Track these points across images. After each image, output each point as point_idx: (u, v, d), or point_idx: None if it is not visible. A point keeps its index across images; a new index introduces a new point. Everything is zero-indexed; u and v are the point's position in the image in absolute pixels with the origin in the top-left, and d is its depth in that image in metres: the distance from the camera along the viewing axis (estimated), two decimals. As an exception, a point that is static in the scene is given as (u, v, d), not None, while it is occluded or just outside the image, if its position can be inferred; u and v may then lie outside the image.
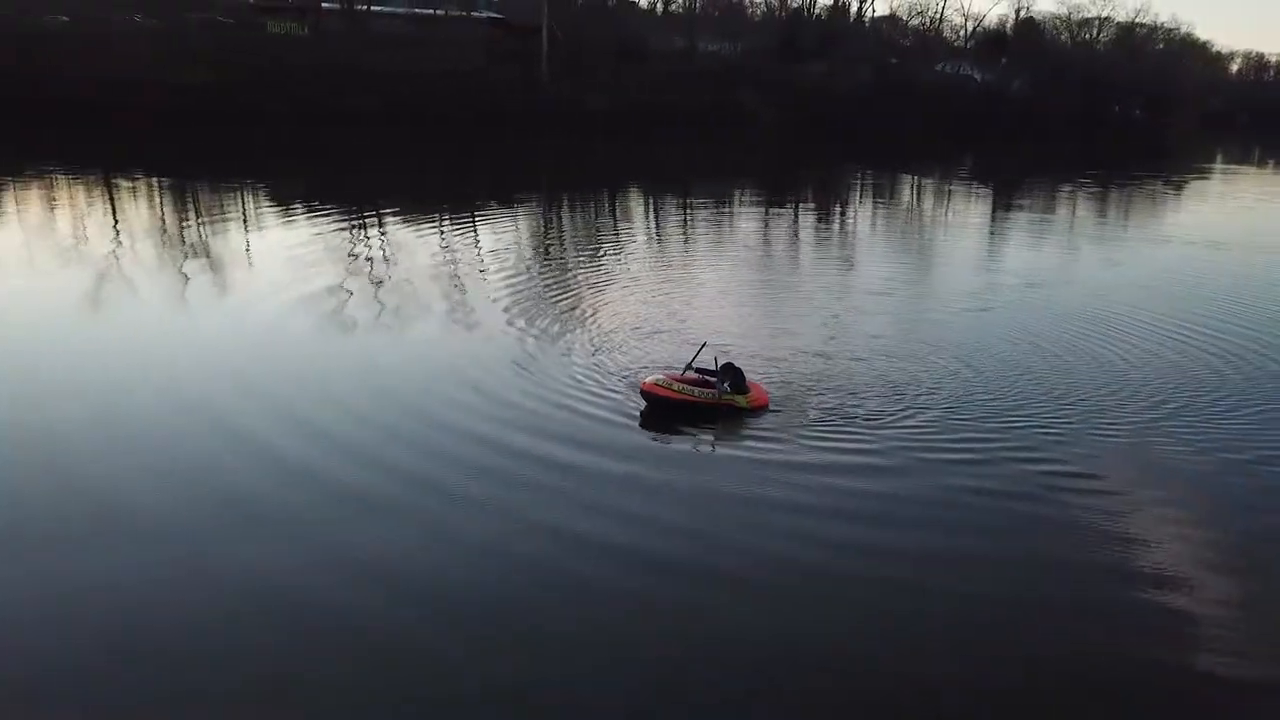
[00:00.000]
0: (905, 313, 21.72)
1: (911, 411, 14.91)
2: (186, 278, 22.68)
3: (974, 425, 14.48)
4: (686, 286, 24.00)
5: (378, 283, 22.99)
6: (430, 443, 13.19)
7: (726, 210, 41.43)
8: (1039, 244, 34.89)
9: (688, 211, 41.01)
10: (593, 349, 17.75)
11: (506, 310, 20.43)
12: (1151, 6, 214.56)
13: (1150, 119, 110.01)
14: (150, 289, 21.55)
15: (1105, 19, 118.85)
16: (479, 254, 27.15)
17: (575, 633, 9.17)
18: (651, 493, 12.05)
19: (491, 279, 23.76)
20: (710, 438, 13.96)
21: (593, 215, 39.53)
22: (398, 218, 33.86)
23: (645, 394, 14.43)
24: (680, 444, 13.78)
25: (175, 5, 71.89)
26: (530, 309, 20.51)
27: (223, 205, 35.65)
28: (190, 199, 37.16)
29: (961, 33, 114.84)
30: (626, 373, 16.20)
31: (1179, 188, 60.76)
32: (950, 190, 54.17)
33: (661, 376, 14.70)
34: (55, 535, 10.41)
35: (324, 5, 78.74)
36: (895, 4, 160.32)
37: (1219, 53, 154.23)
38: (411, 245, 28.29)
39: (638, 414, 14.52)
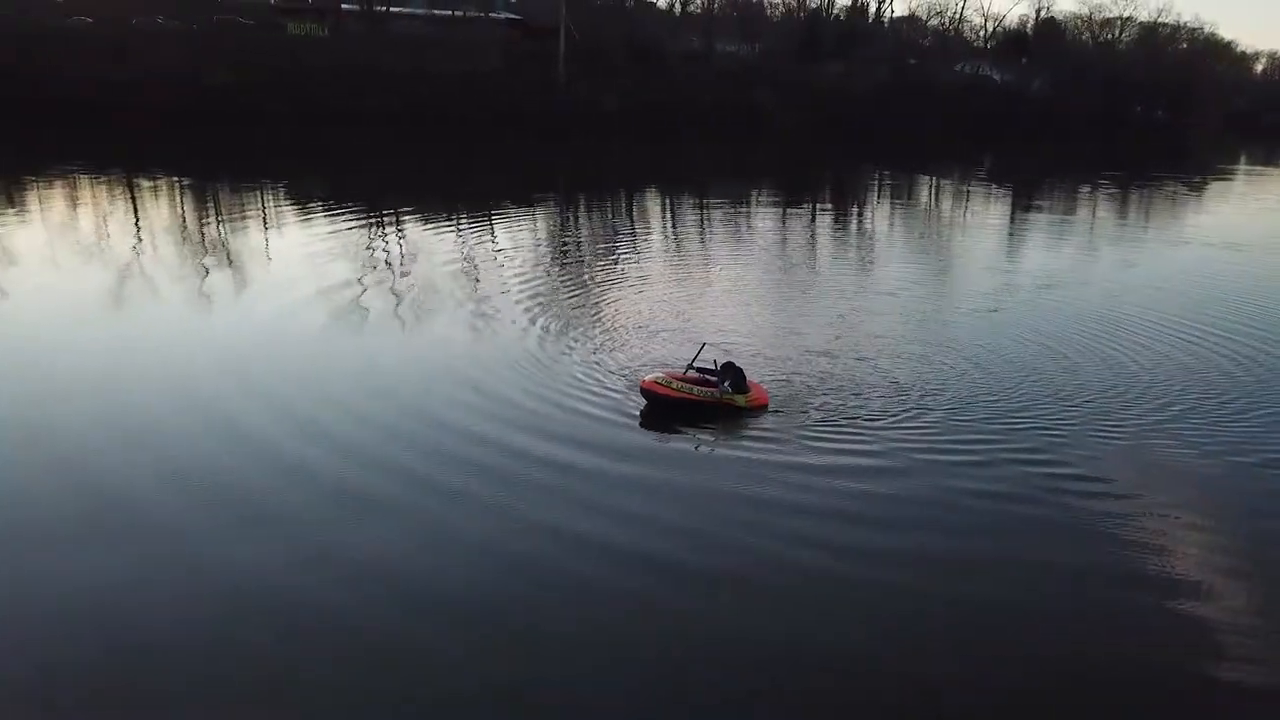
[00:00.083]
0: (913, 313, 21.63)
1: (915, 412, 14.88)
2: (195, 277, 22.89)
3: (978, 426, 14.44)
4: (694, 286, 24.05)
5: (386, 282, 23.10)
6: (430, 442, 13.25)
7: (740, 210, 41.35)
8: (1055, 245, 34.67)
9: (701, 212, 40.97)
10: (595, 348, 17.81)
11: (511, 310, 20.52)
12: (1174, 6, 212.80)
13: (1173, 119, 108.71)
14: (158, 288, 21.77)
15: (1127, 19, 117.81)
16: (488, 254, 27.23)
17: (575, 632, 9.21)
18: (651, 492, 12.09)
19: (499, 278, 23.85)
20: (711, 438, 13.97)
21: (605, 216, 39.59)
22: (412, 218, 34.02)
23: (645, 392, 14.49)
24: (681, 443, 13.81)
25: (197, 7, 72.61)
26: (537, 308, 20.59)
27: (234, 205, 35.96)
28: (209, 198, 37.48)
29: (981, 33, 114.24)
30: (628, 371, 16.24)
31: (1200, 189, 60.18)
32: (968, 191, 53.86)
33: (661, 375, 14.76)
34: (57, 534, 10.50)
35: (344, 6, 79.21)
36: (914, 4, 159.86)
37: (1243, 53, 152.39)
38: (423, 246, 28.42)
39: (638, 413, 14.56)
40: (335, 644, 8.86)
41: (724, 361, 15.25)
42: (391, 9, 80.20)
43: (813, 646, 9.18)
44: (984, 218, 42.78)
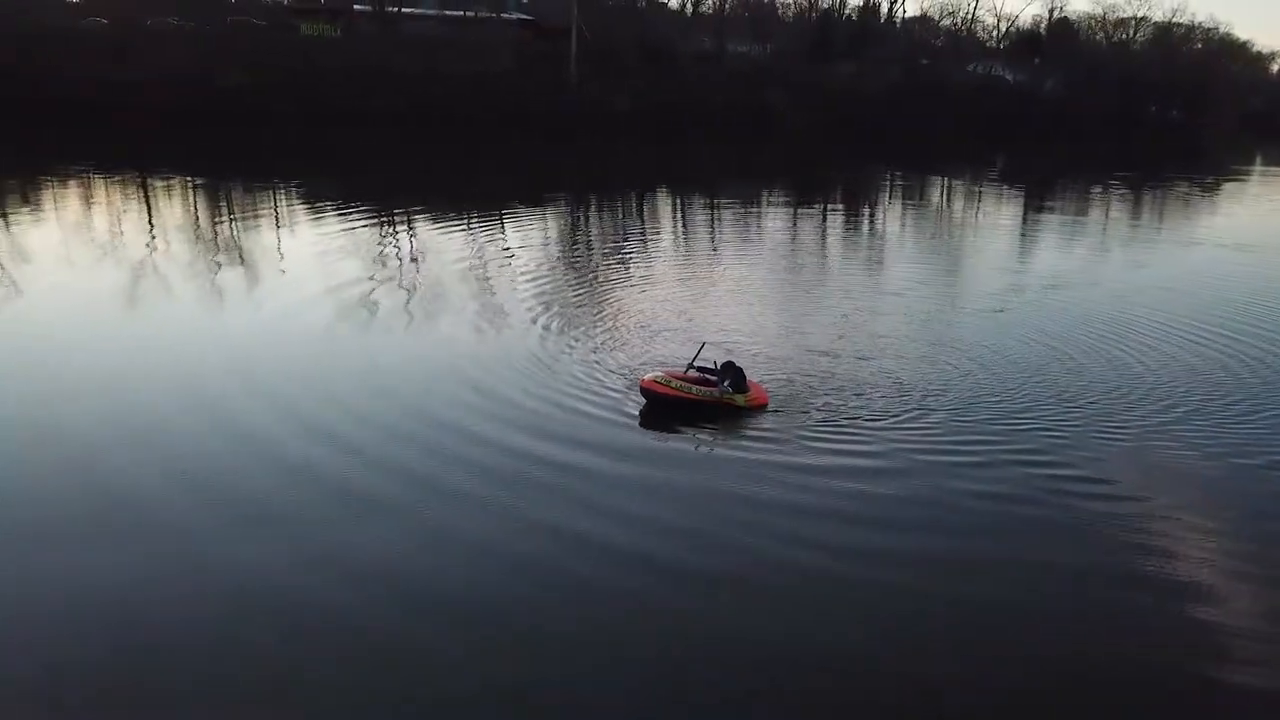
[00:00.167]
0: (918, 313, 21.58)
1: (917, 412, 14.86)
2: (203, 277, 23.01)
3: (981, 427, 14.41)
4: (699, 286, 24.07)
5: (392, 282, 23.16)
6: (430, 442, 13.29)
7: (748, 211, 41.29)
8: (1065, 246, 34.51)
9: (709, 212, 40.95)
10: (597, 347, 17.86)
11: (515, 309, 20.57)
12: (1188, 6, 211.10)
13: (1187, 119, 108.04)
14: (166, 287, 21.86)
15: (1141, 19, 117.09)
16: (492, 254, 27.29)
17: (575, 632, 9.24)
18: (652, 492, 12.11)
19: (503, 278, 23.93)
20: (711, 437, 13.98)
21: (614, 216, 39.60)
22: (418, 219, 34.13)
23: (644, 391, 14.54)
24: (681, 443, 13.83)
25: (211, 8, 73.04)
26: (540, 308, 20.63)
27: (236, 205, 36.15)
28: (220, 198, 37.72)
29: (994, 33, 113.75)
30: (629, 371, 16.27)
31: (1214, 190, 59.75)
32: (980, 191, 53.63)
33: (661, 374, 14.81)
34: (64, 533, 10.58)
35: (356, 7, 79.46)
36: (926, 4, 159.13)
37: (1259, 53, 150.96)
38: (428, 246, 28.52)
39: (638, 412, 14.60)
40: (338, 643, 8.91)
41: (724, 361, 15.28)
42: (404, 10, 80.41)
43: (812, 647, 9.18)
44: (995, 218, 42.58)
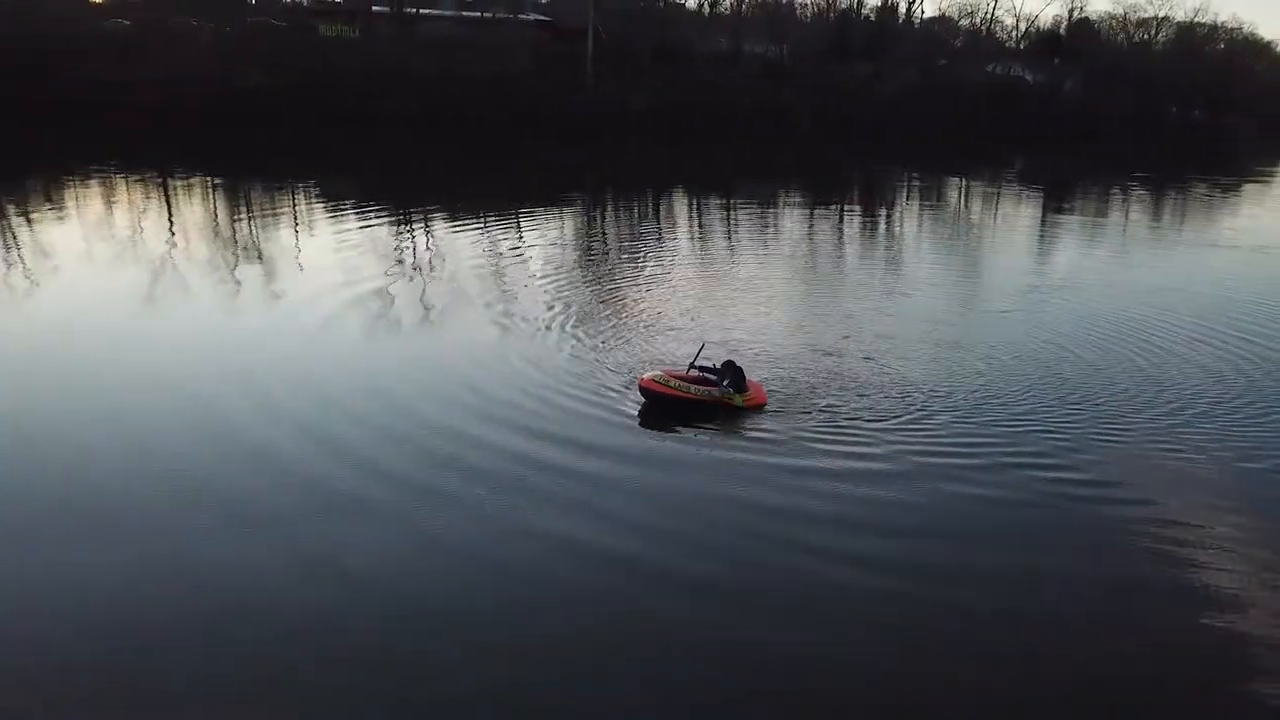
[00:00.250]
0: (926, 314, 21.51)
1: (920, 414, 14.83)
2: (202, 278, 22.97)
3: (984, 429, 14.37)
4: (706, 285, 24.06)
5: (394, 282, 23.08)
6: (428, 444, 13.30)
7: (762, 211, 41.17)
8: (1081, 247, 34.25)
9: (722, 212, 40.82)
10: (598, 346, 17.88)
11: (518, 309, 20.62)
12: (1211, 6, 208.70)
13: (1210, 120, 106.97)
14: (167, 288, 21.85)
15: (1163, 19, 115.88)
16: (501, 255, 27.33)
17: (572, 634, 9.28)
18: (650, 494, 12.14)
19: (509, 278, 23.98)
20: (710, 438, 13.97)
21: (625, 216, 39.57)
22: (423, 220, 34.14)
23: (643, 390, 14.58)
24: (680, 444, 13.82)
25: (231, 8, 73.52)
26: (545, 307, 20.68)
27: (242, 205, 36.32)
28: (234, 199, 37.96)
29: (1013, 34, 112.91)
30: (630, 370, 16.27)
31: (1234, 191, 59.12)
32: (997, 193, 53.27)
33: (659, 373, 14.84)
34: (57, 534, 10.63)
35: (374, 9, 79.77)
36: (945, 5, 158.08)
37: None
38: (439, 247, 28.58)
39: (637, 412, 14.62)
40: (333, 644, 8.96)
41: (725, 360, 15.31)
42: (421, 11, 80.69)
43: (812, 650, 9.19)
44: (1011, 220, 42.27)
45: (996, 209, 45.81)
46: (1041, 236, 36.61)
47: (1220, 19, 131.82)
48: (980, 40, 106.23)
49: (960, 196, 51.17)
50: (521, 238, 30.49)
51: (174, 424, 13.72)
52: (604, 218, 38.26)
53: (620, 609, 9.73)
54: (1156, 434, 14.50)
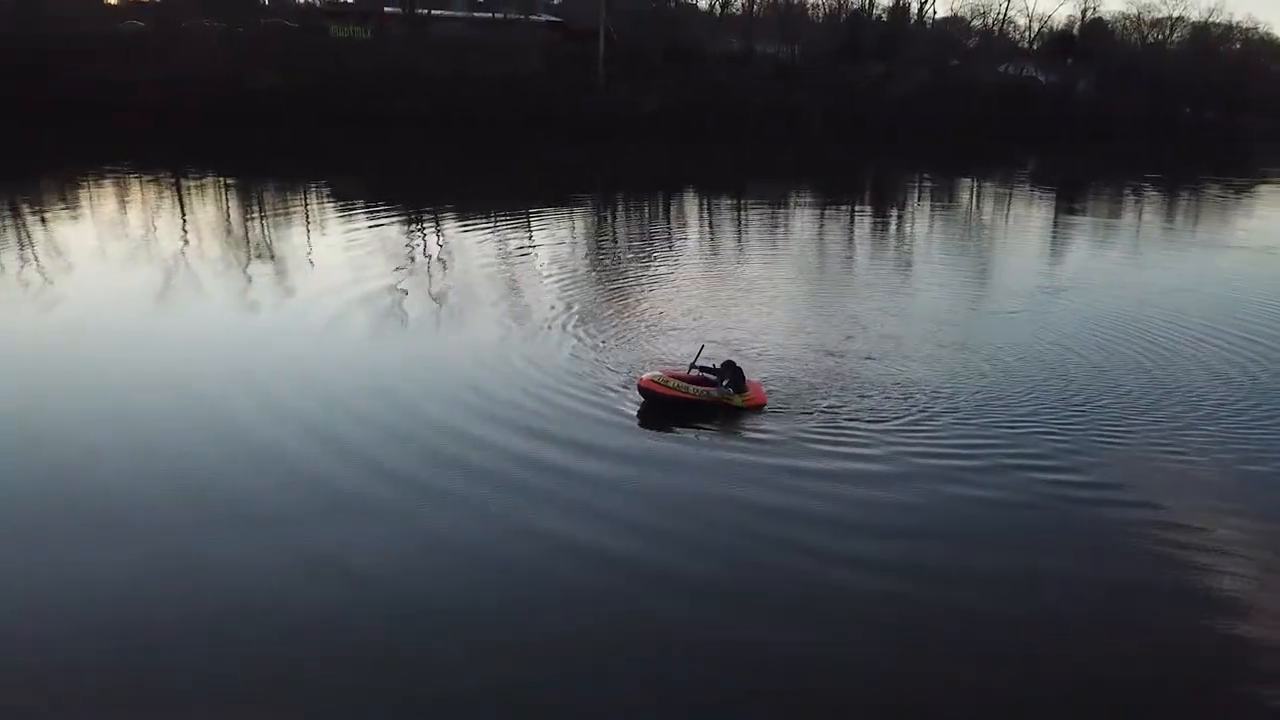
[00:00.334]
0: (932, 314, 21.45)
1: (921, 415, 14.81)
2: (205, 279, 23.02)
3: (986, 430, 14.34)
4: (712, 285, 24.08)
5: (397, 282, 23.08)
6: (430, 444, 13.34)
7: (772, 212, 41.12)
8: (1093, 248, 34.09)
9: (730, 212, 40.69)
10: (599, 346, 17.90)
11: (522, 309, 20.69)
12: (1225, 6, 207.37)
13: (1224, 120, 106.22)
14: (170, 289, 21.94)
15: (1178, 19, 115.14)
16: (508, 255, 27.36)
17: (574, 633, 9.32)
18: (649, 494, 12.18)
19: (514, 278, 24.04)
20: (710, 439, 13.99)
21: (634, 217, 39.58)
22: (438, 221, 34.22)
23: (642, 390, 14.61)
24: (679, 445, 13.85)
25: (244, 10, 73.89)
26: (549, 307, 20.70)
27: (247, 206, 36.52)
28: (244, 199, 38.11)
29: (1026, 34, 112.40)
30: (630, 370, 16.29)
31: (1247, 192, 58.72)
32: (1009, 194, 53.06)
33: (659, 373, 14.88)
34: (64, 534, 10.69)
35: (386, 10, 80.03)
36: (957, 5, 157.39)
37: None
38: (447, 247, 28.59)
39: (637, 412, 14.64)
40: (338, 644, 9.01)
41: (725, 360, 15.33)
42: (433, 12, 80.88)
43: (811, 651, 9.21)
44: (1022, 221, 42.04)
45: (1008, 210, 45.58)
46: (1053, 237, 36.48)
47: (1235, 19, 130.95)
48: (993, 40, 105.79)
49: (973, 198, 50.95)
50: (529, 238, 30.53)
51: (180, 423, 13.79)
52: (613, 218, 38.27)
53: (621, 609, 9.76)
54: (1160, 436, 14.45)
